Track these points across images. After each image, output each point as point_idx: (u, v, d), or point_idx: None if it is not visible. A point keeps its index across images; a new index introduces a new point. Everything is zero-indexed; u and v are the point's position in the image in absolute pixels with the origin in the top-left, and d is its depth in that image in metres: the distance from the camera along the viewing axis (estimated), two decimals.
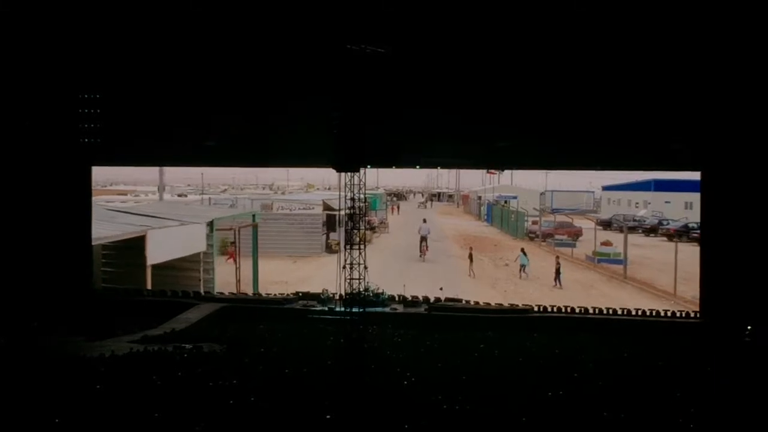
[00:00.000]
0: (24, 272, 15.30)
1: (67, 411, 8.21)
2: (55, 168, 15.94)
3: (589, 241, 33.88)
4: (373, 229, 15.73)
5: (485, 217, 51.99)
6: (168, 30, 14.26)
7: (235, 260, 23.67)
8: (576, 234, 36.88)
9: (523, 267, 27.12)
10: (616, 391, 9.76)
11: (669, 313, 15.53)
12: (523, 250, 28.12)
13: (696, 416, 8.74)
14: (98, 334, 12.93)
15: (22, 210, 15.60)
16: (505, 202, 51.00)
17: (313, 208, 33.70)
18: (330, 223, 33.08)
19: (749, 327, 13.58)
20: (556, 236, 36.65)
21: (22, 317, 13.89)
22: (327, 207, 33.35)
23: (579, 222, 38.88)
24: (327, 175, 60.26)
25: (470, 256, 27.47)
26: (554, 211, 47.77)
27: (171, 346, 11.96)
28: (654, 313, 15.43)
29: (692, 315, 15.29)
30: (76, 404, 8.51)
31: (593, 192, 62.58)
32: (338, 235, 30.83)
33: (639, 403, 9.24)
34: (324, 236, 32.48)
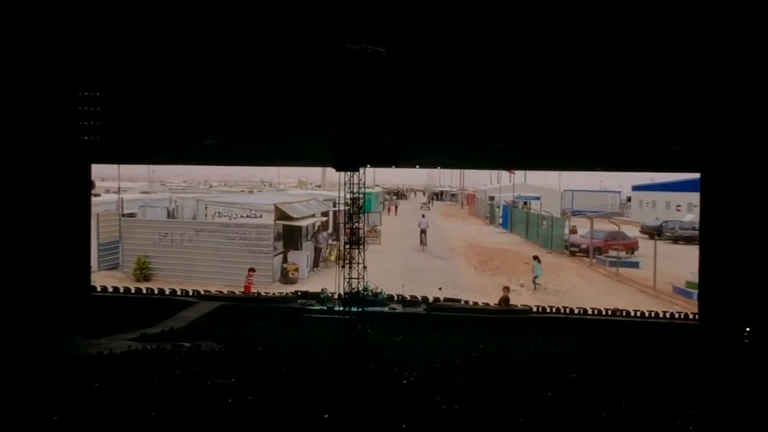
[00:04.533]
0: (22, 270, 15.28)
1: (65, 409, 8.19)
2: (54, 165, 15.91)
3: (647, 257, 24.19)
4: (356, 242, 12.88)
5: (500, 221, 41.64)
6: (168, 28, 14.26)
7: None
8: (631, 247, 27.90)
9: (535, 279, 21.48)
10: (615, 392, 9.75)
11: (668, 315, 15.54)
12: (536, 257, 22.23)
13: (694, 418, 8.74)
14: (96, 332, 12.92)
15: (20, 207, 15.57)
16: (525, 203, 42.16)
17: (260, 216, 22.74)
18: (289, 238, 23.00)
19: (748, 329, 13.59)
20: (611, 251, 26.26)
21: (20, 315, 13.87)
22: (282, 215, 22.59)
23: (602, 226, 29.02)
24: (314, 173, 52.02)
25: (504, 301, 16.67)
26: (575, 214, 39.90)
27: (169, 345, 11.95)
28: (653, 315, 15.44)
29: (691, 317, 15.29)
30: (74, 402, 8.50)
31: (620, 192, 55.24)
32: (303, 258, 22.47)
33: (637, 404, 9.23)
34: (278, 257, 21.91)
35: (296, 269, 21.64)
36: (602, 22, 13.36)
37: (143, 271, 21.09)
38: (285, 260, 22.13)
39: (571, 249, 28.44)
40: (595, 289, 19.70)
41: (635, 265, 24.42)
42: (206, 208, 24.73)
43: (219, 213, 23.75)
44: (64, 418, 7.95)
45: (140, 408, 8.28)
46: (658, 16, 13.13)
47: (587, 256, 26.56)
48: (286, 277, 21.46)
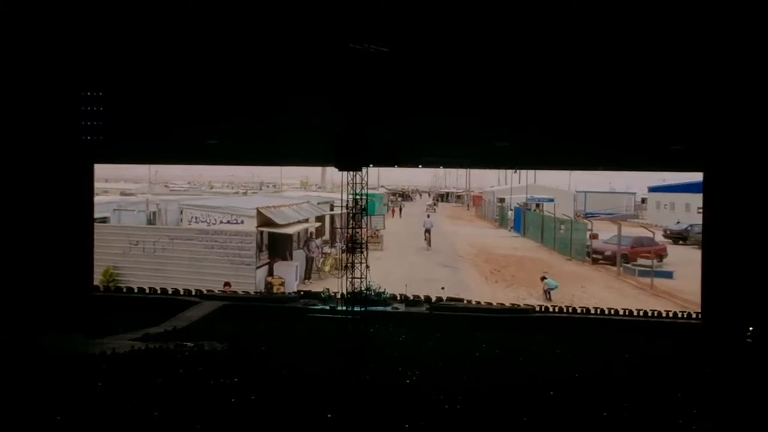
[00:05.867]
0: (25, 269, 15.32)
1: (69, 408, 8.20)
2: (56, 165, 15.95)
3: (678, 265, 22.03)
4: (355, 248, 12.32)
5: (512, 224, 38.67)
6: (170, 28, 14.26)
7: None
8: (660, 254, 24.60)
9: (549, 291, 19.50)
10: (617, 392, 9.74)
11: (671, 314, 15.51)
12: (543, 277, 20.09)
13: (697, 417, 8.72)
14: (99, 332, 12.93)
15: (24, 206, 15.61)
16: (537, 205, 38.94)
17: (242, 222, 20.14)
18: (276, 246, 20.49)
19: (750, 328, 13.57)
20: (639, 259, 23.39)
21: (23, 314, 13.89)
22: (265, 221, 19.88)
23: (625, 230, 25.51)
24: (317, 174, 49.98)
25: None
26: (588, 216, 35.85)
27: (172, 344, 11.95)
28: (656, 314, 15.41)
29: (694, 316, 15.26)
30: (78, 402, 8.51)
31: (635, 193, 52.19)
32: (291, 269, 20.02)
33: (640, 403, 9.22)
34: (263, 269, 19.63)
35: (282, 283, 19.21)
36: (604, 22, 13.33)
37: (111, 284, 19.08)
38: (271, 272, 19.82)
39: (594, 256, 25.15)
40: (629, 305, 16.41)
41: (668, 275, 21.55)
42: (182, 212, 21.69)
43: (196, 218, 20.85)
44: (67, 417, 7.96)
45: (143, 408, 8.29)
46: (660, 15, 13.09)
47: (612, 264, 23.55)
48: (270, 292, 19.04)
